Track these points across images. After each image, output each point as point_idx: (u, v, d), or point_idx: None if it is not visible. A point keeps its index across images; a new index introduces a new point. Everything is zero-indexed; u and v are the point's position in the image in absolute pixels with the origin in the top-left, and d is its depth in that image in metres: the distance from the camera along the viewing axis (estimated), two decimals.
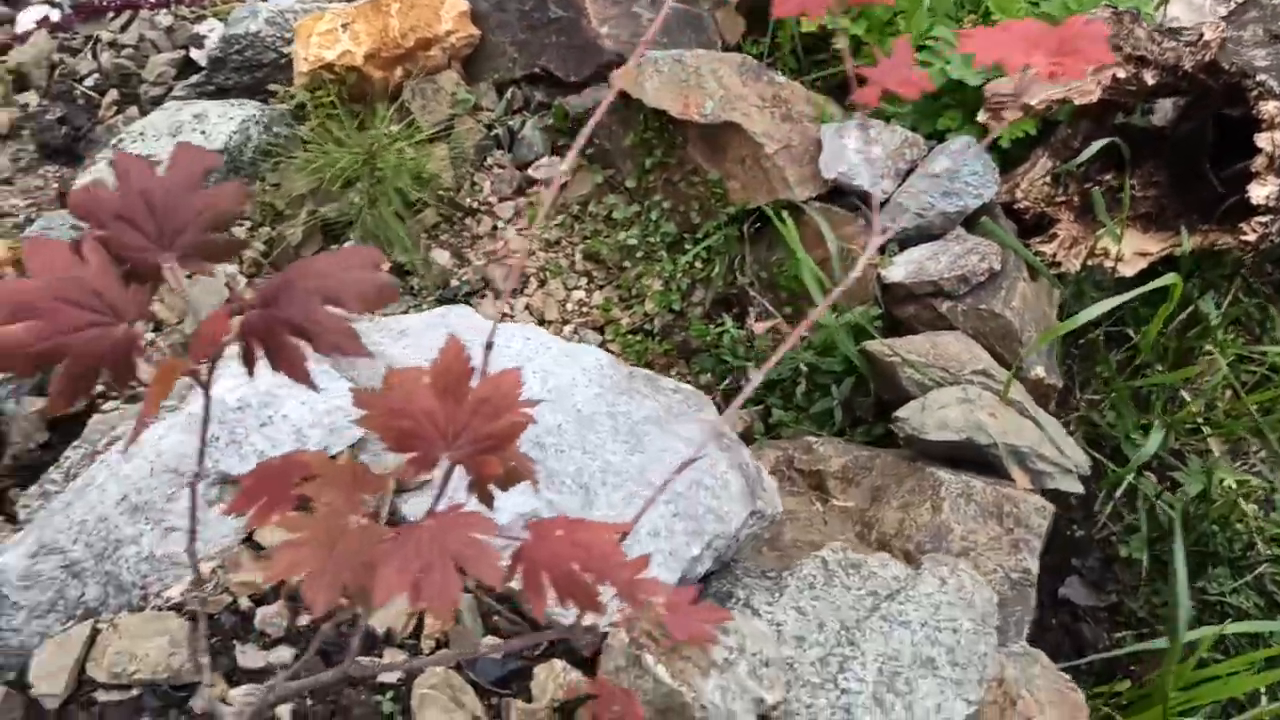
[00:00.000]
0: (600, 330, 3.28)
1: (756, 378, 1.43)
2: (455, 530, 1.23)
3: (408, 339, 2.33)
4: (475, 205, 3.54)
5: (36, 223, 3.39)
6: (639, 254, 3.34)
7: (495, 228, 3.50)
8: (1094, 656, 2.69)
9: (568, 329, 3.25)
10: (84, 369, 1.22)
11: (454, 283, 3.36)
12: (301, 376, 1.24)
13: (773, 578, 2.11)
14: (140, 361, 1.29)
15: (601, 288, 3.36)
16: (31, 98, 4.12)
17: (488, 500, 1.38)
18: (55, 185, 3.82)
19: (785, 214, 3.01)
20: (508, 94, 3.71)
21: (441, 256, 3.42)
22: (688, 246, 3.29)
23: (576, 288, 3.35)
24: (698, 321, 3.19)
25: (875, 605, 2.03)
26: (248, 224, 3.52)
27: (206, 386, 1.27)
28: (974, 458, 2.50)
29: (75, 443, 2.43)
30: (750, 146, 3.14)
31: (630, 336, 3.23)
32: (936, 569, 2.10)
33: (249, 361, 1.21)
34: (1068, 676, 2.10)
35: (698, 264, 3.28)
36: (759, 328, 3.18)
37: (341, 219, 3.46)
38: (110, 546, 1.97)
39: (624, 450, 2.08)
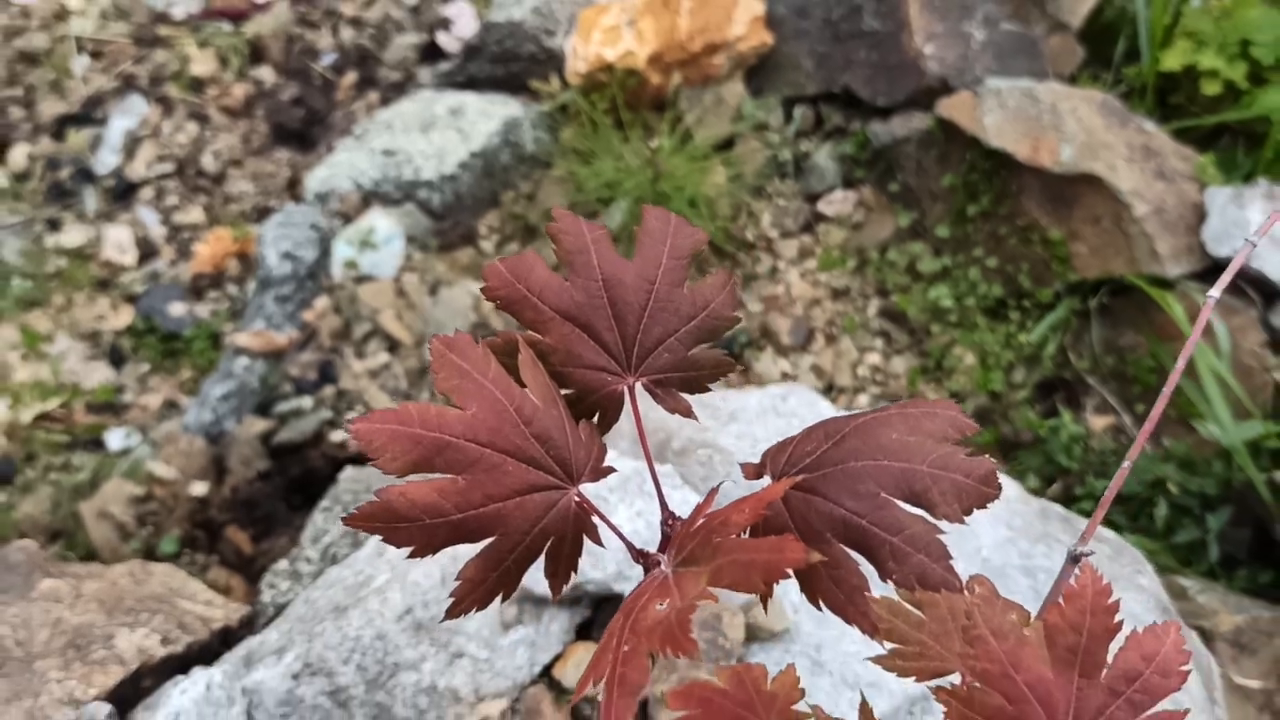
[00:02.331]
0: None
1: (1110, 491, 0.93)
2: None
3: (738, 425, 1.89)
4: (752, 239, 3.08)
5: (273, 219, 3.05)
6: (951, 318, 2.84)
7: (775, 268, 3.04)
8: None
9: (862, 398, 2.77)
10: (520, 551, 0.81)
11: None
12: (860, 620, 0.81)
13: None
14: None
15: (901, 352, 2.88)
16: (267, 73, 3.82)
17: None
18: (287, 171, 3.50)
19: (1157, 291, 2.48)
20: (797, 113, 3.24)
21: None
22: (1012, 315, 2.78)
23: (870, 349, 2.87)
24: (1024, 409, 2.68)
25: None
26: (495, 238, 3.14)
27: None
28: None
29: (324, 503, 2.04)
30: (1110, 205, 2.61)
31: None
32: None
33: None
34: None
35: (1022, 337, 2.77)
36: (1097, 423, 2.65)
37: None
38: (386, 672, 1.57)
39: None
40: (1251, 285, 2.51)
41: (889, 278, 2.95)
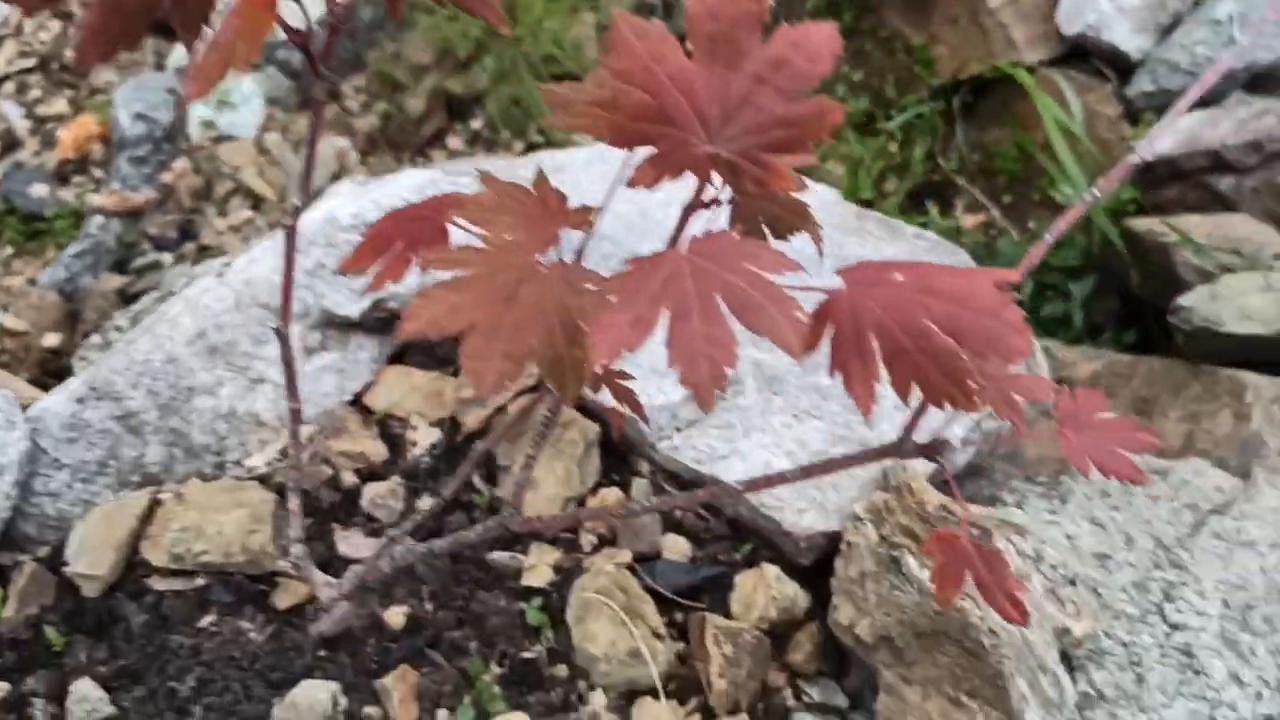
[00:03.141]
0: None
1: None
2: (730, 262, 0.73)
3: (564, 175, 1.84)
4: None
5: (127, 83, 2.98)
6: None
7: None
8: None
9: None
10: None
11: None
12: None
13: (1045, 483, 1.58)
14: None
15: None
16: None
17: (778, 235, 0.88)
18: (154, 59, 3.42)
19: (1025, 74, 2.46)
20: None
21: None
22: (881, 126, 2.75)
23: None
24: (895, 213, 2.65)
25: (1199, 521, 1.48)
26: (362, 97, 3.08)
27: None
28: None
29: (156, 292, 1.98)
30: (967, 1, 2.59)
31: None
32: (1276, 479, 1.55)
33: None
34: None
35: (893, 147, 2.74)
36: (969, 221, 2.63)
37: (469, 92, 2.99)
38: (180, 396, 1.51)
39: None
40: (1107, 62, 2.50)
41: None
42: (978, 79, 2.63)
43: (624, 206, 1.70)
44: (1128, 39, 2.42)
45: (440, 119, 3.01)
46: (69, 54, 3.45)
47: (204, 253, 2.70)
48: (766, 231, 0.86)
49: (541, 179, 0.86)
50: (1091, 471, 1.57)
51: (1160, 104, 2.41)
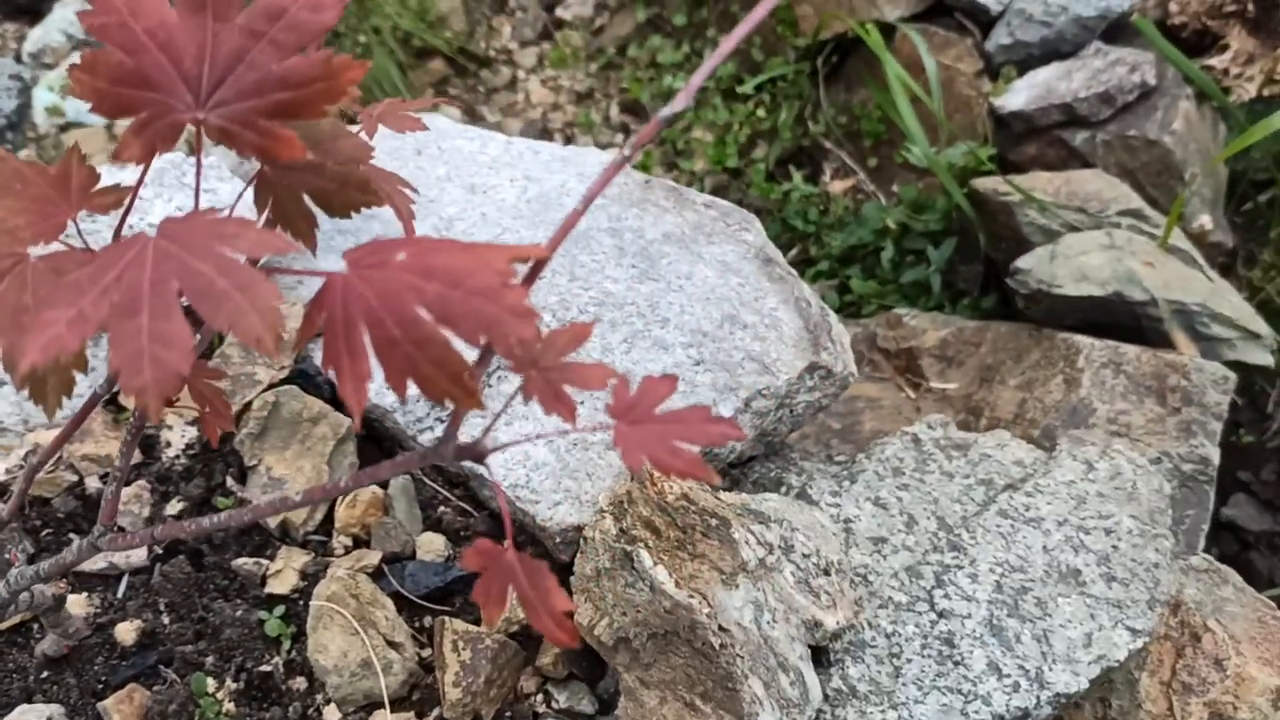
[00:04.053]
0: None
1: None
2: (202, 244, 0.63)
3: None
4: (493, 54, 2.93)
5: None
6: None
7: (515, 79, 2.89)
8: (1268, 593, 2.01)
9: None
10: None
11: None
12: None
13: (842, 462, 1.49)
14: None
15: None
16: None
17: (299, 225, 0.78)
18: (15, 45, 3.31)
19: (872, 32, 2.36)
20: None
21: (450, 114, 2.81)
22: (748, 92, 2.65)
23: (611, 144, 2.73)
24: (760, 180, 2.55)
25: (990, 498, 1.39)
26: None
27: None
28: (1121, 320, 1.84)
29: None
30: None
31: None
32: (1079, 450, 1.46)
33: None
34: (1272, 604, 1.43)
35: (760, 112, 2.64)
36: (837, 187, 2.53)
37: None
38: None
39: (629, 277, 1.47)
40: (968, 16, 2.40)
41: (631, 74, 2.81)
42: (842, 38, 2.53)
43: (515, 190, 1.58)
44: None
45: None
46: None
47: None
48: (315, 210, 0.77)
49: (73, 154, 0.76)
50: (885, 448, 1.48)
51: (1019, 58, 2.30)
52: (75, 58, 2.82)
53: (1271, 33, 2.34)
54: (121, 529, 1.00)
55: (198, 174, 0.68)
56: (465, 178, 1.60)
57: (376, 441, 1.49)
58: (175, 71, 0.67)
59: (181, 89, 0.67)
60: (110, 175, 1.64)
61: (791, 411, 1.47)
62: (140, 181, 0.75)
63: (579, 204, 0.63)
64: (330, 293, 0.65)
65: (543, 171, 1.60)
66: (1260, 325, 1.89)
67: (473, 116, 2.82)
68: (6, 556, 1.09)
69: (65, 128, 2.74)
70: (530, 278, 0.67)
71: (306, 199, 0.76)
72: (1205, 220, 2.10)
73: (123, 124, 2.76)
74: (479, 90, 2.89)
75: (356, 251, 0.67)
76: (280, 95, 0.67)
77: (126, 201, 0.75)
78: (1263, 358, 1.83)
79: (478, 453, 0.69)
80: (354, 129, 0.88)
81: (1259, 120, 2.14)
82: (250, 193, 0.77)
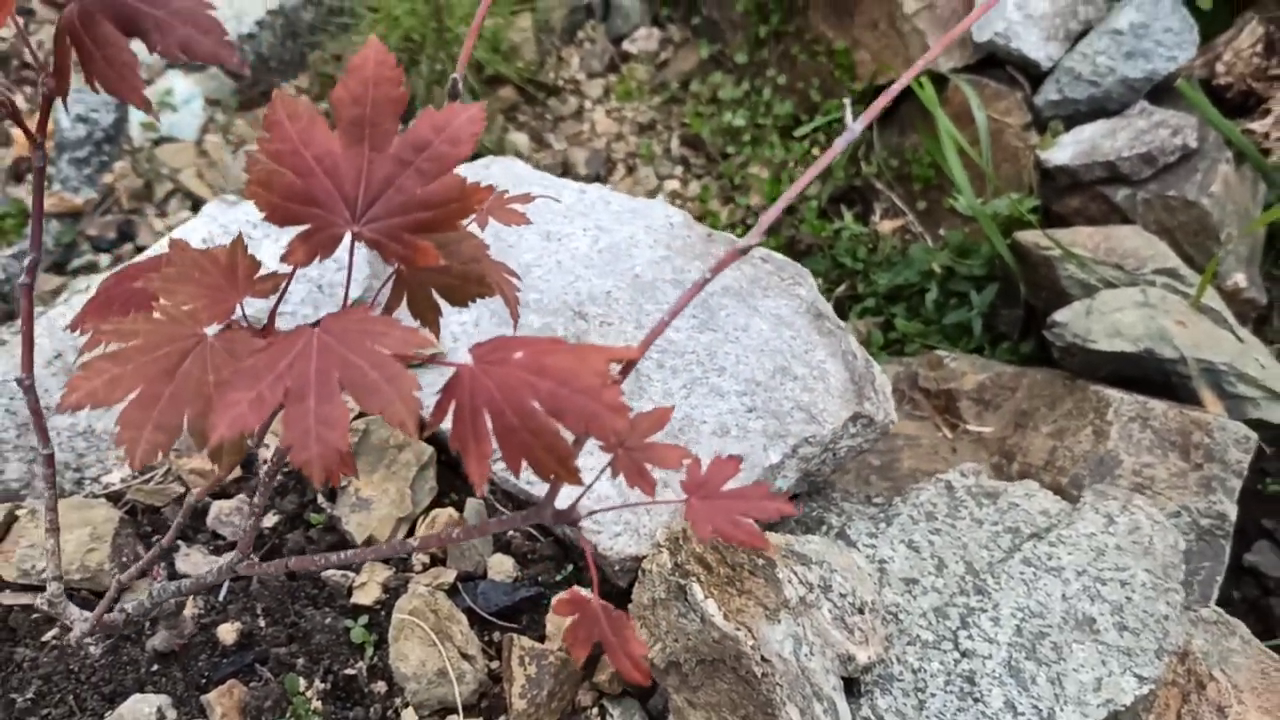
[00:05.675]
0: None
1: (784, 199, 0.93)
2: (356, 340, 0.77)
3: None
4: (560, 83, 3.08)
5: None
6: (745, 139, 2.83)
7: (582, 108, 3.03)
8: (1269, 644, 2.10)
9: None
10: None
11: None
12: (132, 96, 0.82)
13: (879, 504, 1.61)
14: None
15: (700, 177, 2.87)
16: None
17: (428, 315, 0.92)
18: None
19: (925, 85, 2.47)
20: None
21: (519, 140, 2.96)
22: (804, 131, 2.77)
23: (670, 176, 2.86)
24: (813, 217, 2.67)
25: (1015, 545, 1.51)
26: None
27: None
28: (1152, 376, 1.94)
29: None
30: (885, 6, 2.60)
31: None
32: (1101, 504, 1.57)
33: None
34: (1276, 656, 1.54)
35: (815, 151, 2.76)
36: (886, 227, 2.65)
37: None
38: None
39: (690, 327, 1.60)
40: (1019, 69, 2.50)
41: (692, 109, 2.94)
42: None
43: (587, 240, 1.72)
44: (1037, 47, 2.42)
45: None
46: (28, 52, 3.52)
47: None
48: (440, 301, 0.90)
49: (237, 245, 0.91)
50: (920, 493, 1.60)
51: (1067, 113, 2.41)
52: (170, 75, 2.99)
53: None
54: (255, 559, 1.14)
55: (348, 277, 0.82)
56: (542, 224, 1.73)
57: (453, 468, 1.63)
58: (337, 193, 0.81)
59: (341, 207, 0.81)
60: (217, 210, 1.80)
61: (835, 455, 1.59)
62: (291, 276, 0.89)
63: (686, 293, 0.76)
64: (459, 384, 0.78)
65: (613, 222, 1.73)
66: None
67: (540, 143, 2.96)
68: (151, 574, 1.24)
69: (158, 142, 2.91)
70: (624, 373, 0.80)
71: (434, 294, 0.89)
72: (1240, 278, 2.19)
73: (211, 140, 2.93)
74: (546, 118, 3.03)
75: (481, 347, 0.81)
76: (422, 215, 0.81)
77: (281, 287, 0.89)
78: None
79: (573, 519, 0.82)
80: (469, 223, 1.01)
81: None
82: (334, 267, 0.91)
